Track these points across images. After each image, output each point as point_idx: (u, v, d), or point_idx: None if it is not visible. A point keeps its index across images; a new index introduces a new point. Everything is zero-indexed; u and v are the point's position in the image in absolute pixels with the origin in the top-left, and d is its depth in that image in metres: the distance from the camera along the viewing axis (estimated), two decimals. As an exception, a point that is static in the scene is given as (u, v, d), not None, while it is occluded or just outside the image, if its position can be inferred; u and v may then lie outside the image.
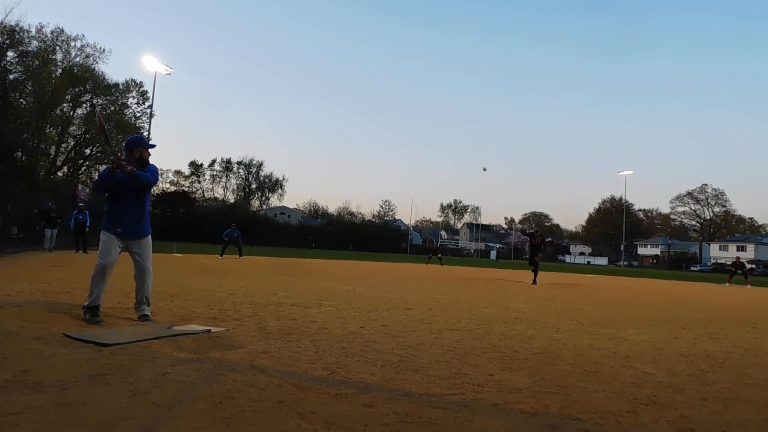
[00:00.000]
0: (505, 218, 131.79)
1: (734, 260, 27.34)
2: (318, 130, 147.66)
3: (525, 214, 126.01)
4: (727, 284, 24.40)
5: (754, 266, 69.98)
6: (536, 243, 16.79)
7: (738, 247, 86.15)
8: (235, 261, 19.17)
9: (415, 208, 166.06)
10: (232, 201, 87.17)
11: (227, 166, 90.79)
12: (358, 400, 2.86)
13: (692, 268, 68.91)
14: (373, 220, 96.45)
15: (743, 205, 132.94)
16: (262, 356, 3.80)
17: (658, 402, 3.21)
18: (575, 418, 2.76)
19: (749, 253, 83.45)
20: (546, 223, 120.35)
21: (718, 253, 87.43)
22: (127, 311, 5.47)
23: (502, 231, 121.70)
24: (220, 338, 4.41)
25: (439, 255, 32.36)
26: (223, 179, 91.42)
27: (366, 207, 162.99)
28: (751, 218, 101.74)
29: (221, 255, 20.88)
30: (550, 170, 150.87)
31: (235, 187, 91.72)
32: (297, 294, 8.47)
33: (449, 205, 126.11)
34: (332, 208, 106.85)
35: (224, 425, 2.35)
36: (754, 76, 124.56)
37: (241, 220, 25.72)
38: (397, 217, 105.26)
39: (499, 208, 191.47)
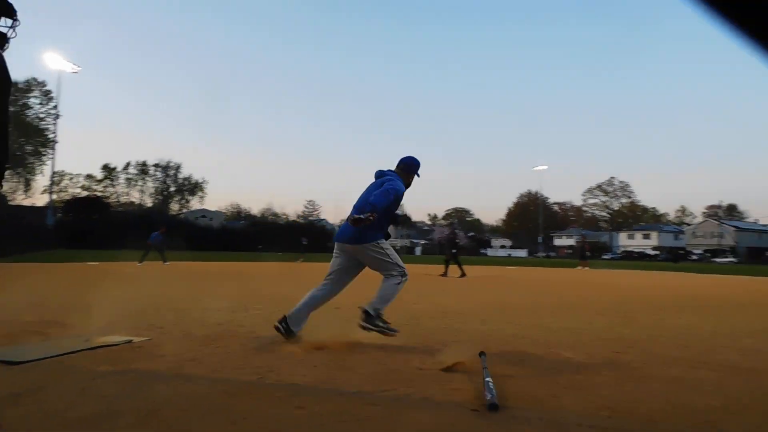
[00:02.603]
0: (429, 214, 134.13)
1: (582, 244, 29.06)
2: (238, 131, 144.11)
3: (448, 210, 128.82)
4: (580, 267, 26.05)
5: (658, 252, 75.16)
6: (452, 238, 17.58)
7: (644, 235, 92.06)
8: (157, 267, 18.41)
9: (340, 206, 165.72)
10: (149, 205, 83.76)
11: (143, 168, 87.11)
12: (291, 403, 2.84)
13: (603, 257, 72.92)
14: (299, 220, 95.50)
15: (646, 196, 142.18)
16: (189, 364, 3.69)
17: (577, 385, 3.39)
18: (502, 406, 2.86)
19: (653, 240, 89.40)
20: (467, 218, 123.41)
21: (626, 241, 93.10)
22: (42, 325, 5.14)
23: (426, 227, 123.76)
24: (144, 348, 4.23)
25: (302, 250, 31.22)
26: (140, 182, 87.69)
27: (290, 207, 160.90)
28: (653, 208, 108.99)
29: (141, 261, 20.01)
30: (470, 166, 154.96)
31: (152, 190, 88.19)
32: (223, 298, 8.26)
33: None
34: (255, 210, 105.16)
35: (152, 438, 2.27)
36: (651, 74, 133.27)
37: (160, 224, 24.74)
38: (322, 217, 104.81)
39: (422, 204, 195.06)
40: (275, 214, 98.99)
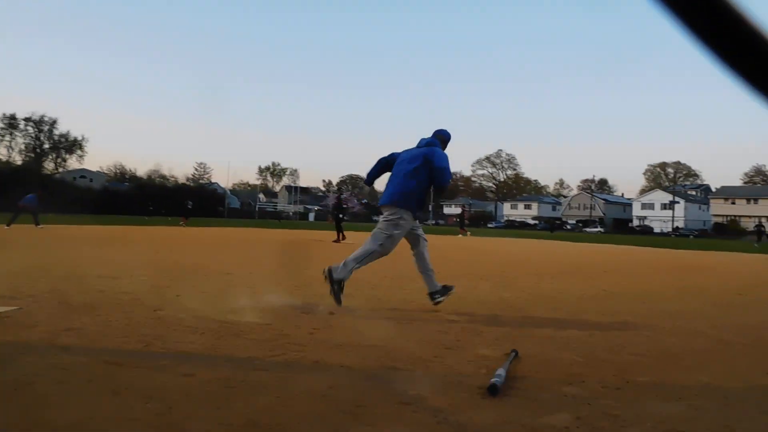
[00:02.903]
0: (324, 180, 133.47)
1: (462, 213, 30.94)
2: (123, 87, 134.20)
3: (342, 177, 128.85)
4: (461, 235, 27.75)
5: (537, 221, 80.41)
6: (336, 204, 18.02)
7: (525, 205, 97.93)
8: (28, 231, 16.88)
9: (232, 170, 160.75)
10: (19, 163, 76.26)
11: (11, 122, 78.75)
12: (178, 371, 2.78)
13: (488, 225, 76.79)
14: (188, 183, 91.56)
15: (530, 169, 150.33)
16: (65, 334, 3.47)
17: (460, 345, 3.60)
18: (391, 367, 3.00)
19: (534, 210, 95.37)
20: (363, 186, 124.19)
21: (509, 211, 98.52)
22: None
23: (321, 193, 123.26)
24: (13, 318, 3.92)
25: (186, 214, 30.92)
26: (7, 138, 79.36)
27: (179, 170, 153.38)
28: (535, 180, 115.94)
29: (9, 224, 18.27)
30: (366, 134, 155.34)
31: (23, 147, 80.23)
32: (104, 264, 7.79)
33: (267, 168, 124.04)
34: (141, 171, 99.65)
35: (22, 413, 2.15)
36: (537, 55, 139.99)
37: (37, 185, 22.53)
38: (213, 180, 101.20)
39: (318, 170, 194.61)
40: (163, 177, 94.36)
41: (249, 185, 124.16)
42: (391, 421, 2.22)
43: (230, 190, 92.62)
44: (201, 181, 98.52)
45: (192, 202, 34.46)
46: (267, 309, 4.70)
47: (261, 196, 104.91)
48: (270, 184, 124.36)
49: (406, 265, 5.54)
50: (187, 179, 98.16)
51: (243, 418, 2.18)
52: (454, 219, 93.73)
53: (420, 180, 4.92)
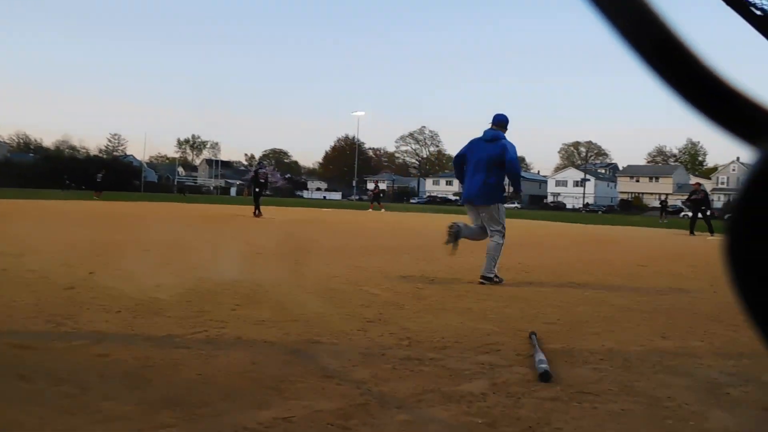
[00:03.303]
0: (246, 155, 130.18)
1: (374, 190, 31.99)
2: (23, 51, 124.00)
3: (265, 151, 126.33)
4: (371, 209, 28.77)
5: (458, 197, 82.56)
6: (253, 176, 18.24)
7: (447, 181, 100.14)
8: None
9: (150, 143, 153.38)
10: None
11: None
12: (91, 351, 2.67)
13: (411, 201, 78.07)
14: (101, 155, 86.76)
15: (451, 146, 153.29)
16: (-37, 316, 3.25)
17: (383, 319, 3.68)
18: (314, 341, 3.02)
19: (455, 186, 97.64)
20: (285, 160, 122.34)
21: (431, 187, 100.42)
22: None
23: (243, 167, 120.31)
24: None
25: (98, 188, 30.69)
26: None
27: (91, 141, 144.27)
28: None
29: None
30: (289, 109, 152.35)
31: None
32: (6, 240, 7.28)
33: (187, 141, 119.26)
34: (48, 141, 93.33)
35: None
36: (459, 32, 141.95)
37: None
38: (128, 153, 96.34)
39: (240, 144, 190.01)
40: (73, 148, 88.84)
41: (167, 158, 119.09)
42: (314, 394, 2.25)
43: (147, 163, 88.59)
44: (115, 153, 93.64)
45: (101, 174, 32.67)
46: (187, 286, 4.58)
47: (180, 169, 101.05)
48: (190, 158, 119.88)
49: (331, 242, 5.56)
50: (100, 151, 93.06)
51: (162, 397, 2.14)
52: (370, 194, 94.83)
53: (499, 175, 5.61)
